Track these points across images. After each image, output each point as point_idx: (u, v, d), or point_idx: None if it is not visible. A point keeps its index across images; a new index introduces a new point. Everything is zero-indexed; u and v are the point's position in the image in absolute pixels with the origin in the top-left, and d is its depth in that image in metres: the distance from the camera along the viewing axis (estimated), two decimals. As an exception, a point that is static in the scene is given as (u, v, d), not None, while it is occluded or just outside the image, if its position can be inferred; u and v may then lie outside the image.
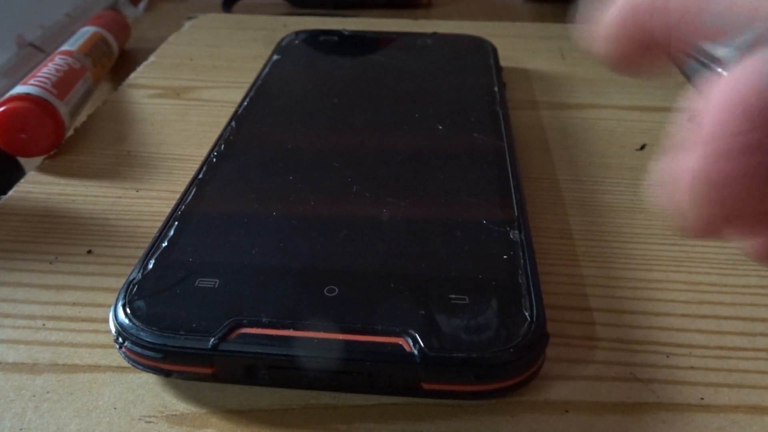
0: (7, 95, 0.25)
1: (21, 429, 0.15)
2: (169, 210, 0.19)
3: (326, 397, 0.16)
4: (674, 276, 0.20)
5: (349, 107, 0.25)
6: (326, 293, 0.16)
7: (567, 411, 0.16)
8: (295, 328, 0.15)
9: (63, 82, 0.27)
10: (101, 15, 0.37)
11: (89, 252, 0.21)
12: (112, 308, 0.16)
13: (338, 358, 0.15)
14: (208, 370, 0.15)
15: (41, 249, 0.21)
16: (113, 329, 0.16)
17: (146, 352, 0.15)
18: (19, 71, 0.33)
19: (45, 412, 0.16)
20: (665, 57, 0.12)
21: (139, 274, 0.17)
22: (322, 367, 0.15)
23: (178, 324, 0.15)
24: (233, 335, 0.15)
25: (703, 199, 0.10)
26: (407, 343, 0.15)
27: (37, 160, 0.26)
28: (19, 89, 0.26)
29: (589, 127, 0.28)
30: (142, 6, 0.48)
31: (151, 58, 0.35)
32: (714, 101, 0.10)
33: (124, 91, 0.31)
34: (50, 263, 0.20)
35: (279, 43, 0.32)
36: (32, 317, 0.18)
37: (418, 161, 0.22)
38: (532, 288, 0.16)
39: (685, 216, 0.10)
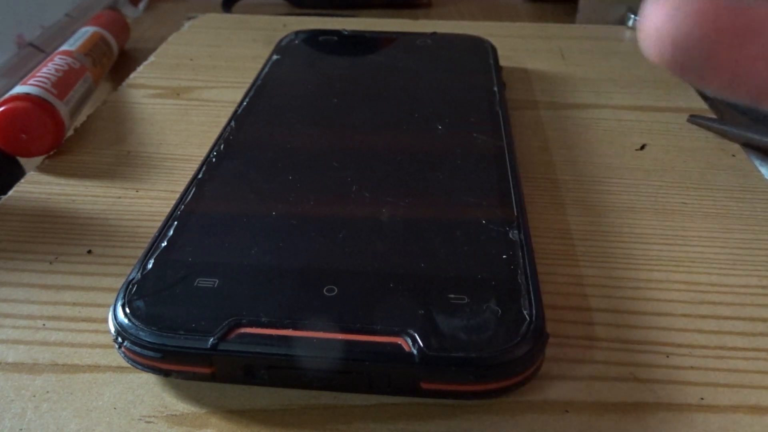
0: (7, 95, 0.25)
1: (21, 429, 0.15)
2: (168, 210, 0.19)
3: (326, 397, 0.16)
4: (674, 276, 0.20)
5: (349, 107, 0.25)
6: (325, 293, 0.16)
7: (567, 411, 0.16)
8: (295, 328, 0.15)
9: (63, 82, 0.27)
10: (101, 15, 0.37)
11: (89, 252, 0.21)
12: (111, 308, 0.16)
13: (337, 358, 0.15)
14: (207, 370, 0.15)
15: (41, 249, 0.21)
16: (112, 329, 0.16)
17: (145, 352, 0.15)
18: (19, 71, 0.33)
19: (45, 412, 0.16)
20: None
21: (139, 274, 0.17)
22: (321, 367, 0.15)
23: (177, 324, 0.15)
24: (232, 335, 0.15)
25: None
26: (406, 343, 0.15)
27: (37, 160, 0.26)
28: (19, 89, 0.26)
29: (589, 127, 0.28)
30: (142, 6, 0.49)
31: (151, 58, 0.35)
32: None
33: (124, 91, 0.31)
34: (50, 263, 0.20)
35: (278, 43, 0.32)
36: (32, 317, 0.18)
37: (418, 161, 0.22)
38: (531, 287, 0.16)
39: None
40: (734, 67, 0.11)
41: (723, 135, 0.28)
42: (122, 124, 0.28)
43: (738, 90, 0.11)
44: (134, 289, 0.16)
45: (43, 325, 0.18)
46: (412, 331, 0.15)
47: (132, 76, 0.33)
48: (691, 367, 0.17)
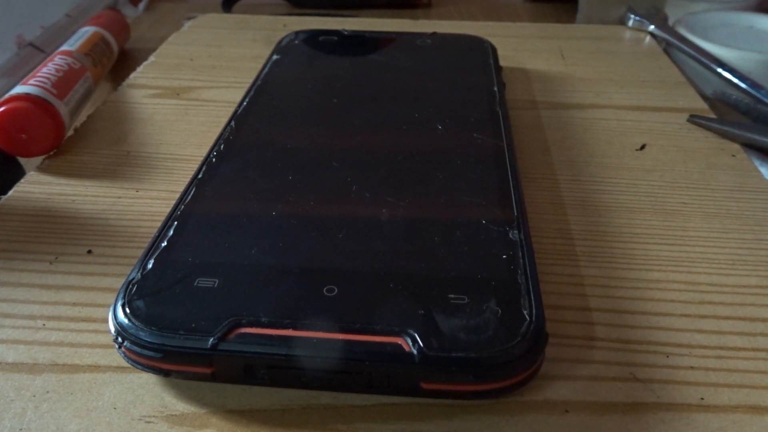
0: (7, 95, 0.25)
1: (21, 429, 0.15)
2: (168, 210, 0.19)
3: (326, 397, 0.16)
4: (674, 276, 0.20)
5: (349, 107, 0.25)
6: (325, 293, 0.16)
7: (567, 411, 0.16)
8: (294, 328, 0.15)
9: (63, 82, 0.27)
10: (101, 15, 0.37)
11: (89, 252, 0.21)
12: (111, 308, 0.16)
13: (337, 358, 0.15)
14: (207, 370, 0.15)
15: (41, 249, 0.21)
16: (113, 329, 0.16)
17: (145, 352, 0.15)
18: (19, 71, 0.33)
19: (45, 412, 0.16)
20: None
21: (139, 274, 0.17)
22: (321, 367, 0.15)
23: (177, 324, 0.15)
24: (232, 335, 0.15)
25: None
26: (406, 343, 0.15)
27: (37, 160, 0.26)
28: (19, 89, 0.26)
29: (589, 127, 0.28)
30: (142, 6, 0.49)
31: (151, 58, 0.35)
32: None
33: (124, 91, 0.31)
34: (50, 263, 0.20)
35: (278, 43, 0.32)
36: (32, 317, 0.18)
37: (418, 161, 0.22)
38: (531, 288, 0.16)
39: None
40: None
41: (723, 135, 0.28)
42: (122, 124, 0.28)
43: None
44: (134, 289, 0.16)
45: (43, 325, 0.18)
46: (412, 331, 0.15)
47: (132, 76, 0.33)
48: (691, 367, 0.17)
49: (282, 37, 0.33)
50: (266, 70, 0.29)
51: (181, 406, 0.16)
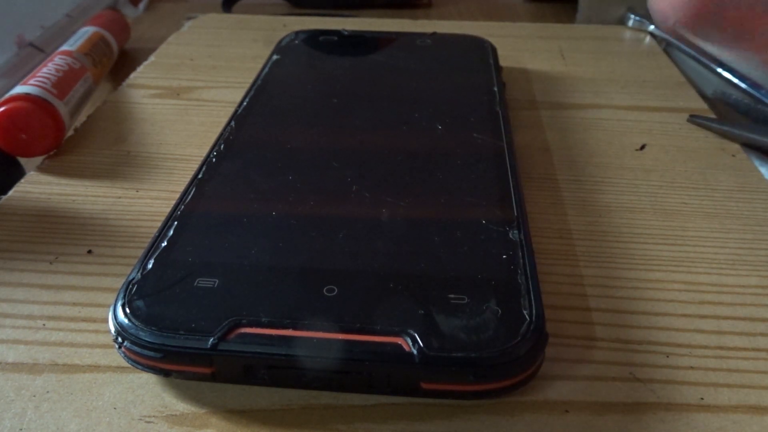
0: (7, 95, 0.25)
1: (21, 429, 0.15)
2: (168, 210, 0.19)
3: (326, 397, 0.16)
4: (674, 276, 0.20)
5: (349, 107, 0.25)
6: (325, 293, 0.16)
7: (567, 411, 0.16)
8: (295, 328, 0.15)
9: (63, 82, 0.27)
10: (101, 15, 0.37)
11: (89, 252, 0.21)
12: (111, 308, 0.16)
13: (337, 358, 0.15)
14: (207, 370, 0.15)
15: (41, 249, 0.21)
16: (113, 329, 0.16)
17: (146, 352, 0.15)
18: (19, 71, 0.33)
19: (45, 412, 0.16)
20: None
21: (139, 274, 0.17)
22: (321, 367, 0.15)
23: (177, 324, 0.15)
24: (232, 335, 0.15)
25: None
26: (406, 343, 0.15)
27: (37, 160, 0.26)
28: (19, 89, 0.26)
29: (589, 127, 0.28)
30: (142, 6, 0.49)
31: (151, 58, 0.35)
32: None
33: (124, 91, 0.31)
34: (50, 263, 0.20)
35: (278, 43, 0.32)
36: (32, 317, 0.18)
37: (418, 161, 0.22)
38: (531, 287, 0.16)
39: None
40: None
41: (723, 135, 0.28)
42: (122, 124, 0.28)
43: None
44: (134, 289, 0.16)
45: (43, 325, 0.18)
46: (412, 331, 0.15)
47: (132, 76, 0.33)
48: (691, 367, 0.17)
49: (282, 37, 0.33)
50: (266, 70, 0.29)
51: (181, 406, 0.16)
